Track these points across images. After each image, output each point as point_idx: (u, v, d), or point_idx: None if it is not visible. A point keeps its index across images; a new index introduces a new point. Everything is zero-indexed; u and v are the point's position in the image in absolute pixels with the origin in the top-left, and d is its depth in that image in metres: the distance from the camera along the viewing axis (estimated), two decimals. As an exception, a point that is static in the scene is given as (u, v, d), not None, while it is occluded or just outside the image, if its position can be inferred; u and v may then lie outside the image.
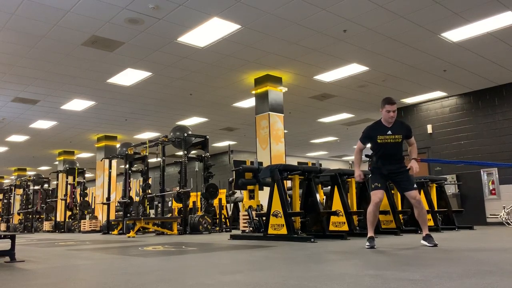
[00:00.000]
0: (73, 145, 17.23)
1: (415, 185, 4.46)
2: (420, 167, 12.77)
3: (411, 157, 4.58)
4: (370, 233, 4.46)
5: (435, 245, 4.26)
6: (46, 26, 7.02)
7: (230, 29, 7.30)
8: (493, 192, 10.57)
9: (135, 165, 12.73)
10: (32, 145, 16.69)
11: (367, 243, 4.34)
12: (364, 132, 4.61)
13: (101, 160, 14.78)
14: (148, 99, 11.38)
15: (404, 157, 4.60)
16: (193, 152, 11.64)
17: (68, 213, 15.38)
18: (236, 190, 10.23)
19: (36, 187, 17.09)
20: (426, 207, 8.07)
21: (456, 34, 7.68)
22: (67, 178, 15.79)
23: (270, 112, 9.65)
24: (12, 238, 4.00)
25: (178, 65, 8.97)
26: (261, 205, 7.62)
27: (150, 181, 11.63)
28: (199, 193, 10.88)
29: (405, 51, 8.40)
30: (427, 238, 4.38)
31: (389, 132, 4.47)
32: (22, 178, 18.14)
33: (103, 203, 13.16)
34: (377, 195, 4.45)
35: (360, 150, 4.63)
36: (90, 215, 14.69)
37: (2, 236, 4.17)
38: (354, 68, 9.36)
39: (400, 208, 7.74)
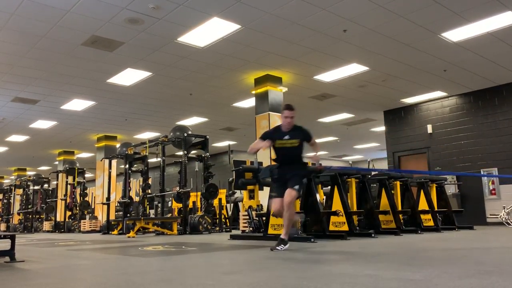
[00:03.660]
0: (73, 145, 17.22)
1: (296, 187, 4.48)
2: (420, 167, 12.70)
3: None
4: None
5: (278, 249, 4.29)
6: (46, 26, 7.02)
7: (230, 29, 7.29)
8: (493, 192, 10.57)
9: (135, 165, 12.72)
10: (32, 145, 16.68)
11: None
12: (263, 134, 4.80)
13: (101, 160, 14.77)
14: (148, 99, 11.38)
15: (303, 163, 4.73)
16: (193, 152, 11.64)
17: (68, 213, 15.37)
18: (236, 190, 10.22)
19: (36, 187, 17.09)
20: (426, 207, 8.08)
21: (456, 34, 7.67)
22: (67, 178, 15.78)
23: (270, 112, 9.65)
24: (12, 238, 4.00)
25: (178, 65, 8.97)
26: (261, 205, 7.63)
27: (150, 181, 11.62)
28: (199, 193, 10.88)
29: (405, 51, 8.40)
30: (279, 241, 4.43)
31: (287, 137, 4.63)
32: (22, 178, 18.13)
33: (103, 203, 13.15)
34: (274, 204, 4.58)
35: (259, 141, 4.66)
36: (90, 215, 14.68)
37: (2, 236, 4.17)
38: (354, 68, 9.36)
39: (400, 208, 7.74)
